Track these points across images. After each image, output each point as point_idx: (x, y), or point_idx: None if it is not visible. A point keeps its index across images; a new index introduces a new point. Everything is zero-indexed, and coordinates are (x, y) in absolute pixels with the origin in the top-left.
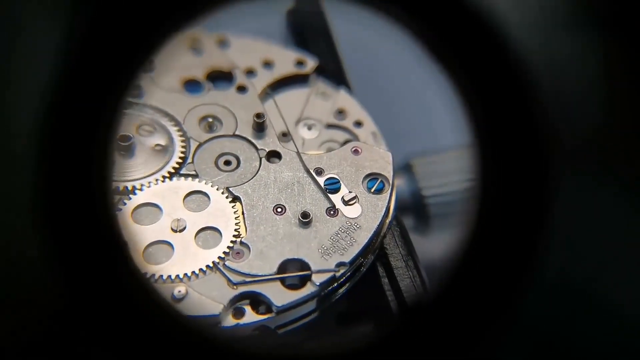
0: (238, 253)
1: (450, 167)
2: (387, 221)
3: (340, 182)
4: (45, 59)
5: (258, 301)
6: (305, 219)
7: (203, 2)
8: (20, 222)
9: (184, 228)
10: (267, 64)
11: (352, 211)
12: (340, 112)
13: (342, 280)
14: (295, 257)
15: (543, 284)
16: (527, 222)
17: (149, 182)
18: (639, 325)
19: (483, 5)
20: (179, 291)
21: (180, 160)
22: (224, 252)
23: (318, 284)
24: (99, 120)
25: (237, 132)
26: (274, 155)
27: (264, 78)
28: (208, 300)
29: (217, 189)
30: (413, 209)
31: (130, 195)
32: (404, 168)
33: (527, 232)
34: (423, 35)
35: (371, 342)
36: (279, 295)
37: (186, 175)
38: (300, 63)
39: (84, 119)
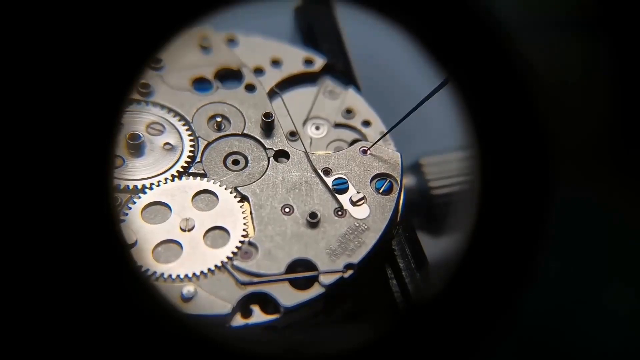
0: (246, 253)
1: (460, 167)
2: (396, 222)
3: (349, 182)
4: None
5: (266, 301)
6: (313, 219)
7: (210, 1)
8: (21, 223)
9: (193, 227)
10: (276, 63)
11: (360, 212)
12: (349, 112)
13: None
14: (303, 257)
15: (541, 284)
16: (526, 223)
17: (158, 181)
18: (635, 325)
19: (484, 6)
20: (188, 290)
21: (189, 160)
22: (233, 252)
23: (326, 284)
24: (99, 120)
25: (245, 131)
26: (282, 155)
27: (273, 77)
28: (217, 299)
29: (226, 189)
30: (422, 209)
31: (140, 194)
32: (413, 168)
33: (527, 233)
34: (424, 36)
35: (370, 342)
36: (287, 296)
37: (195, 175)
38: (308, 61)
39: (84, 119)
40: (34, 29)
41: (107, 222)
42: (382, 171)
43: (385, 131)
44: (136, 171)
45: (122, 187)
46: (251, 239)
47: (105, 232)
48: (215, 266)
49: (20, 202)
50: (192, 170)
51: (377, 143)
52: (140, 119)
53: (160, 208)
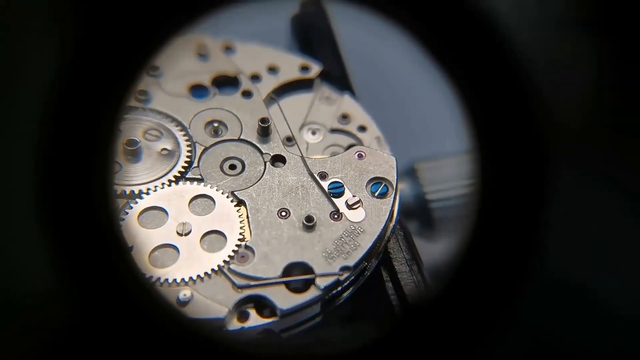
0: (243, 257)
1: (454, 172)
2: (391, 225)
3: (344, 186)
4: (46, 62)
5: (263, 305)
6: (309, 223)
7: (203, 5)
8: (21, 227)
9: (190, 232)
10: (272, 70)
11: (356, 215)
12: (345, 117)
13: (346, 284)
14: (300, 260)
15: (541, 284)
16: (525, 224)
17: (155, 186)
18: (635, 325)
19: (484, 6)
20: (185, 294)
21: (186, 165)
22: (229, 256)
23: (322, 287)
24: (98, 125)
25: (242, 137)
26: (278, 160)
27: (269, 83)
28: (213, 303)
29: (222, 193)
30: (417, 213)
31: (137, 199)
32: (408, 172)
33: (526, 233)
34: (423, 36)
35: (370, 343)
36: (284, 299)
37: (192, 180)
38: (304, 68)
39: (83, 124)
40: (34, 30)
41: (108, 227)
42: (378, 175)
43: (380, 135)
44: (133, 176)
45: (119, 193)
46: (248, 243)
47: (106, 236)
48: (212, 270)
49: (19, 205)
50: (189, 175)
51: (373, 148)
52: (137, 125)
53: (157, 213)
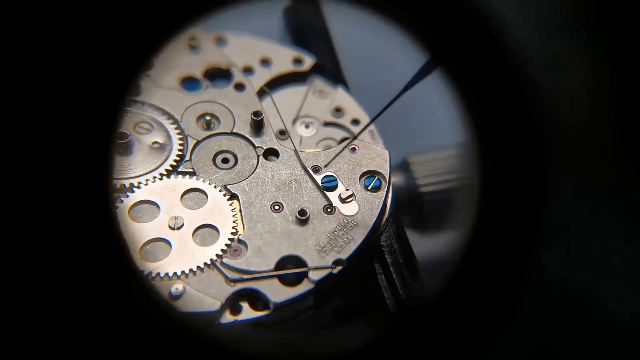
0: (236, 250)
1: (448, 165)
2: (384, 219)
3: (338, 179)
4: (44, 57)
5: (255, 298)
6: (302, 217)
7: (203, 5)
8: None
9: (182, 226)
10: (265, 62)
11: (349, 209)
12: (338, 110)
13: (339, 277)
14: (293, 254)
15: (539, 287)
16: (524, 224)
17: (147, 180)
18: (634, 330)
19: (482, 5)
20: (177, 288)
21: (178, 158)
22: (222, 250)
23: (315, 280)
24: (99, 121)
25: (234, 130)
26: (271, 153)
27: (262, 76)
28: (206, 297)
29: (215, 187)
30: (410, 207)
31: (128, 193)
32: (401, 166)
33: (525, 234)
34: (422, 35)
35: (370, 343)
36: (276, 292)
37: (184, 173)
38: (297, 61)
39: (84, 120)
40: (36, 32)
41: (106, 220)
42: (371, 169)
43: (373, 128)
44: (124, 170)
45: None
46: (241, 237)
47: (104, 230)
48: (205, 264)
49: (19, 202)
50: (181, 168)
51: (366, 141)
52: (128, 118)
53: (148, 207)
